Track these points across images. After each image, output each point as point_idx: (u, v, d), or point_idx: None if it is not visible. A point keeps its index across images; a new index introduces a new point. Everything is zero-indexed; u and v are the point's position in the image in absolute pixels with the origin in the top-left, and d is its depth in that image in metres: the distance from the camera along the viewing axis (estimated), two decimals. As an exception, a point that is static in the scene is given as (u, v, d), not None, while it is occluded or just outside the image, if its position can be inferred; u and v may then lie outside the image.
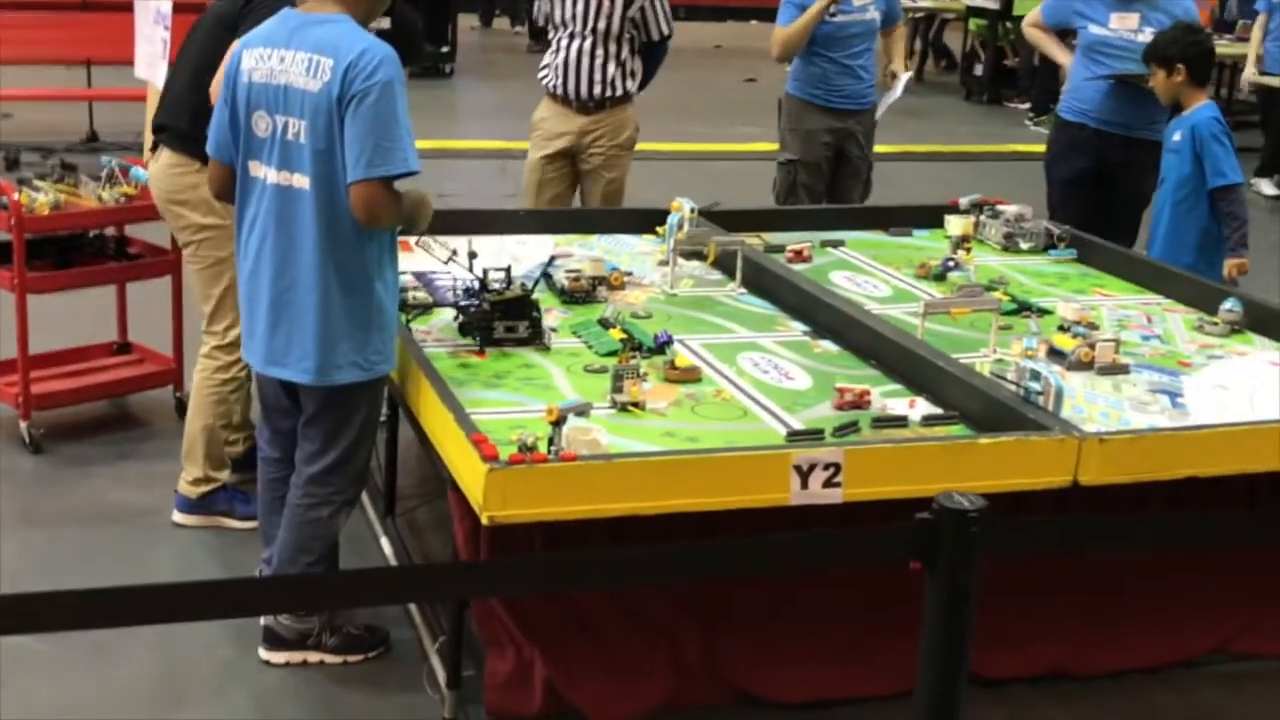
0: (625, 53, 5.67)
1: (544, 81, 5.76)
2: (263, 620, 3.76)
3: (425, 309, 4.07)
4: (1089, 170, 5.95)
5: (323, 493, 3.66)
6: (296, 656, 3.77)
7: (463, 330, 3.97)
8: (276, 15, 3.56)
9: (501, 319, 3.94)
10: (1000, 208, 5.38)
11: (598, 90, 5.66)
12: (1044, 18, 6.19)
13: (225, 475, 4.49)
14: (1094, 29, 5.87)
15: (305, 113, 3.41)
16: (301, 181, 3.45)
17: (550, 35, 5.76)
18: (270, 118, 3.47)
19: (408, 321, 3.91)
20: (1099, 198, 5.98)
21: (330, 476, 3.66)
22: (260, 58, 3.49)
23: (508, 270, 4.07)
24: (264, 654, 3.77)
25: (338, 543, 3.77)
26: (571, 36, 5.62)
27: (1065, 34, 6.33)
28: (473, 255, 4.01)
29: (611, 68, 5.65)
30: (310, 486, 3.67)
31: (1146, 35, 5.79)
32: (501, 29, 17.82)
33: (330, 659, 3.78)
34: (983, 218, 5.35)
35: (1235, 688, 3.91)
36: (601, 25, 5.57)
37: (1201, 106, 5.38)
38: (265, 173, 3.51)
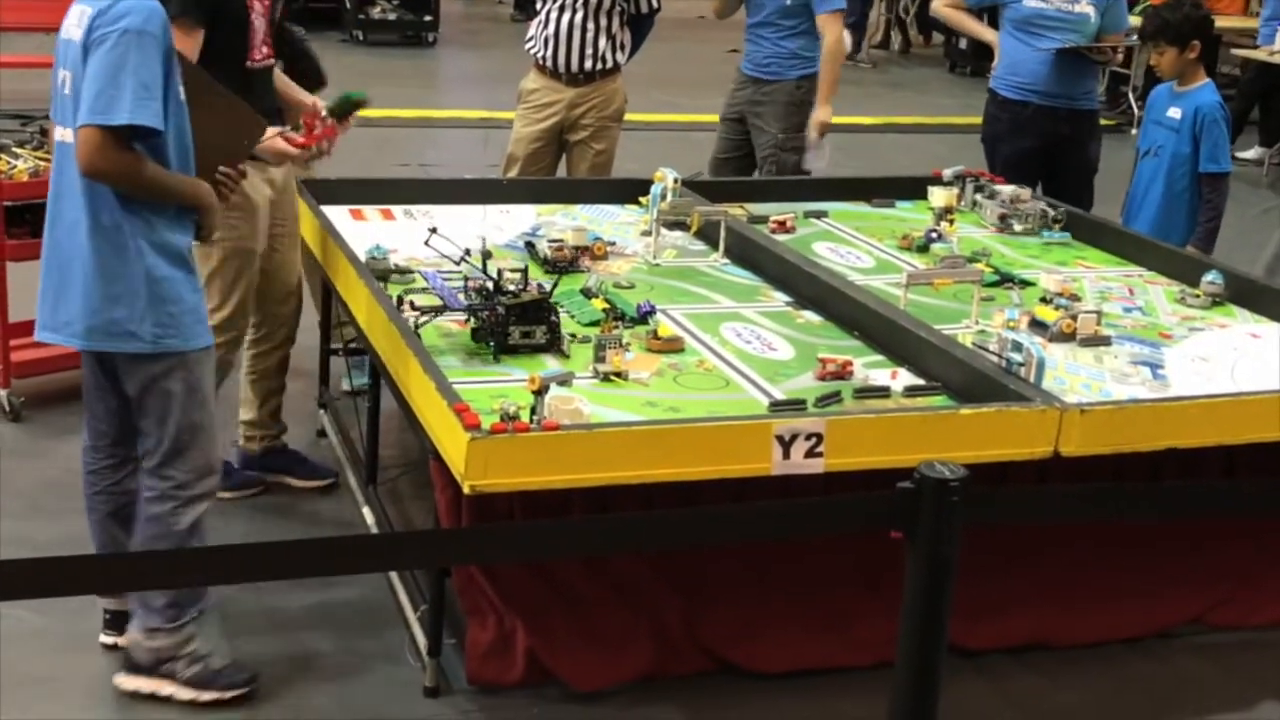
0: (615, 25, 5.65)
1: (532, 52, 5.73)
2: (124, 641, 3.54)
3: (435, 312, 3.79)
4: (1035, 148, 5.96)
5: (162, 486, 3.41)
6: (147, 686, 3.49)
7: (475, 336, 3.74)
8: None
9: (517, 324, 3.69)
10: (997, 187, 5.32)
11: (588, 64, 5.64)
12: None
13: None
14: (1029, 2, 5.87)
15: (72, 63, 3.24)
16: (69, 135, 3.25)
17: (539, 6, 5.72)
18: (61, 71, 3.31)
19: (416, 327, 3.69)
20: (1046, 172, 5.99)
21: (168, 469, 3.40)
22: (69, 15, 3.32)
23: (524, 271, 3.90)
24: (118, 679, 3.51)
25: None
26: (562, 9, 5.60)
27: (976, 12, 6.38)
28: (486, 255, 3.86)
29: (602, 41, 5.63)
30: (149, 479, 3.44)
31: (1082, 6, 5.82)
32: (485, -2, 17.73)
33: (181, 694, 3.48)
34: (979, 198, 5.30)
35: (1213, 657, 3.94)
36: (594, 1, 5.55)
37: (1204, 87, 5.38)
38: (56, 131, 3.37)
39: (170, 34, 3.22)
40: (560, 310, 3.83)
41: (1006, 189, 5.28)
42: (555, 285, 3.89)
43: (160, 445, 3.39)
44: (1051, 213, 5.17)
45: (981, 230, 5.15)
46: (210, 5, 3.91)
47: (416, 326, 3.69)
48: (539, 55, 5.68)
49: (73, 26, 3.24)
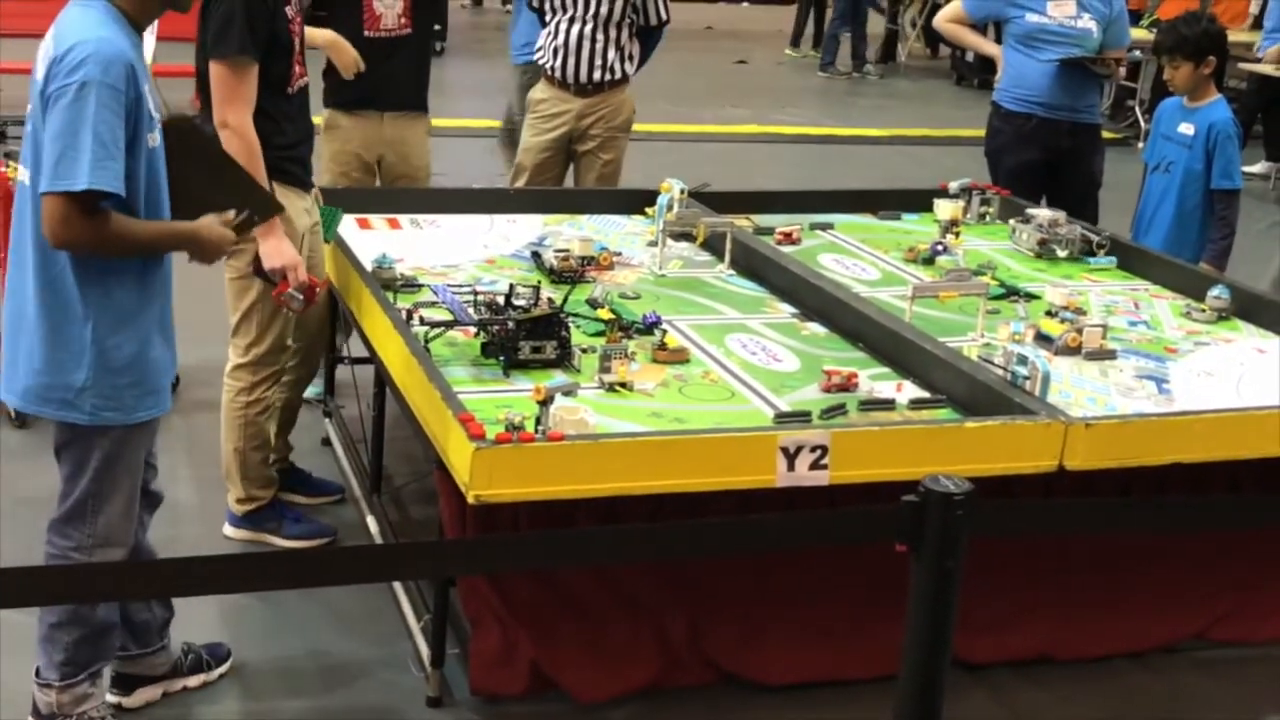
0: (624, 37, 5.66)
1: (540, 63, 5.74)
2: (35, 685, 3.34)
3: (446, 327, 3.77)
4: (1038, 161, 5.97)
5: (62, 545, 3.24)
6: None
7: (486, 352, 3.72)
8: None
9: (528, 339, 3.66)
10: (1031, 212, 5.19)
11: (597, 75, 5.65)
12: (969, 12, 6.19)
13: (269, 493, 4.33)
14: (1031, 17, 5.89)
15: (33, 101, 3.05)
16: (25, 176, 3.09)
17: (548, 18, 5.72)
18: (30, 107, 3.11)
19: (426, 341, 3.69)
20: (1049, 184, 5.99)
21: (68, 528, 3.23)
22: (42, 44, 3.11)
23: (536, 287, 3.89)
24: None
25: (102, 622, 3.29)
26: (571, 21, 5.61)
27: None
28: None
29: (611, 52, 5.64)
30: (51, 534, 3.27)
31: (1085, 21, 5.85)
32: (492, 7, 17.78)
33: None
34: (1013, 222, 5.18)
35: (1215, 672, 3.93)
36: (603, 11, 5.56)
37: (1217, 103, 5.37)
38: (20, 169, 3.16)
39: (135, 82, 2.98)
40: (571, 325, 3.82)
41: (1043, 213, 5.13)
42: (566, 299, 3.88)
43: (66, 501, 3.23)
44: (1096, 238, 5.03)
45: (987, 242, 5.15)
46: (265, 36, 3.89)
47: (426, 340, 3.68)
48: (548, 66, 5.69)
49: (39, 63, 3.04)
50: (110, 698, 3.49)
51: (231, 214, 3.29)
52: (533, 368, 3.68)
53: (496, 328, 3.71)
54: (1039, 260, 4.98)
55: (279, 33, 3.95)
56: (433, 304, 4.00)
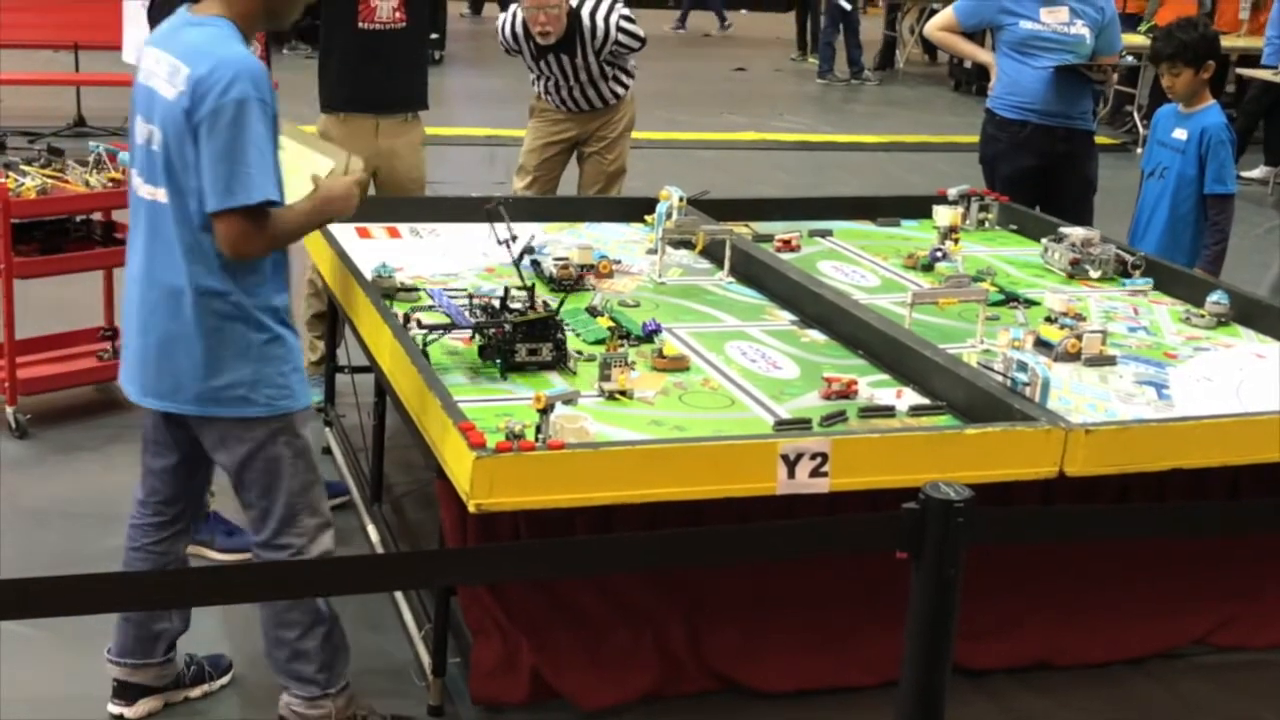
0: (613, 70, 5.88)
1: (537, 94, 5.90)
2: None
3: (442, 330, 3.78)
4: (1034, 167, 5.97)
5: (281, 557, 3.33)
6: None
7: (482, 354, 3.73)
8: (175, 13, 3.27)
9: (524, 341, 3.68)
10: (1064, 230, 5.06)
11: (598, 105, 5.92)
12: (960, 20, 6.19)
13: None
14: (1025, 24, 5.90)
15: (162, 120, 3.14)
16: (161, 195, 3.18)
17: (532, 74, 5.89)
18: (144, 124, 3.21)
19: (424, 345, 3.69)
20: (1044, 190, 5.99)
21: (282, 538, 3.33)
22: (147, 58, 3.23)
23: (531, 288, 3.88)
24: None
25: (330, 612, 3.43)
26: (558, 86, 5.84)
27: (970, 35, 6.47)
28: (528, 250, 3.84)
29: (605, 87, 5.89)
30: (265, 553, 3.36)
31: (1078, 27, 5.85)
32: (491, 16, 17.79)
33: None
34: (1045, 241, 5.07)
35: (1217, 678, 3.93)
36: (584, 77, 5.78)
37: (1212, 108, 5.38)
38: (137, 184, 3.26)
39: (273, 93, 3.14)
40: (566, 328, 3.84)
41: (1076, 231, 5.00)
42: (562, 303, 3.89)
43: (271, 515, 3.31)
44: (1131, 258, 4.91)
45: (986, 248, 5.15)
46: None
47: (424, 345, 3.69)
48: (545, 99, 5.86)
49: (162, 81, 3.12)
50: (112, 708, 3.50)
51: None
52: (529, 370, 3.69)
53: (493, 330, 3.72)
54: (1072, 280, 4.87)
55: None
56: (429, 308, 4.01)
